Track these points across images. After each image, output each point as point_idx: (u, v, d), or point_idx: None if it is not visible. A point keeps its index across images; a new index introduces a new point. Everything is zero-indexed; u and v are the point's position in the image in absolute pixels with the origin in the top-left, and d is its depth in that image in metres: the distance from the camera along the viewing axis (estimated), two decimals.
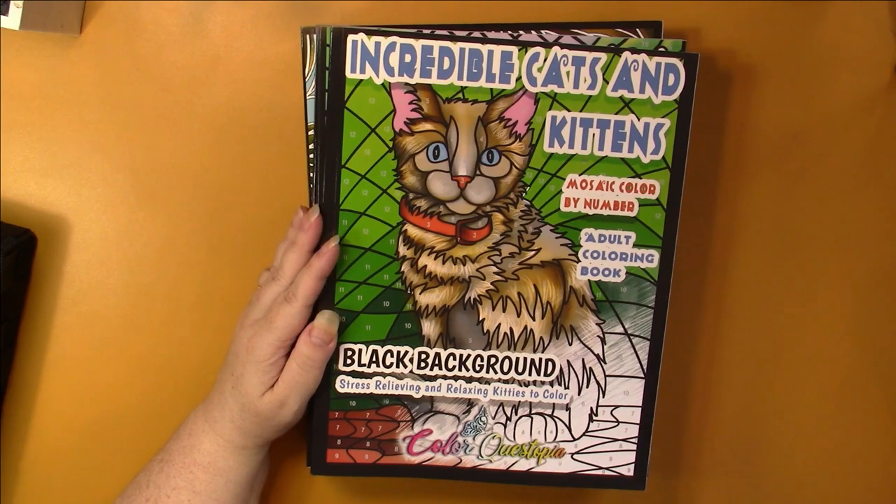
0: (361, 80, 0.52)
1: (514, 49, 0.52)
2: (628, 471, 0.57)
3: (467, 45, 0.52)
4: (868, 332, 0.61)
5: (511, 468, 0.56)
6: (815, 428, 0.62)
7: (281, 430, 0.53)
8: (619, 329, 0.56)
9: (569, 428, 0.56)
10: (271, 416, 0.51)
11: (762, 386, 0.62)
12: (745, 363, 0.61)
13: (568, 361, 0.56)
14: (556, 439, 0.56)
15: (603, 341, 0.56)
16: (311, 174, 0.57)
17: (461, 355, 0.55)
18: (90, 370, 0.59)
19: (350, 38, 0.51)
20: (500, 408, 0.56)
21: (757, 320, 0.61)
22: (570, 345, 0.55)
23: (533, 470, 0.56)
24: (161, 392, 0.59)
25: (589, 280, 0.55)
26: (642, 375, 0.56)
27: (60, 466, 0.60)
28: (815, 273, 0.61)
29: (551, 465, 0.56)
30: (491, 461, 0.56)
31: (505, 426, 0.56)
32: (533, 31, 0.55)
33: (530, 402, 0.56)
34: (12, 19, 0.51)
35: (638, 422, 0.56)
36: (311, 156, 0.56)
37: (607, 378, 0.56)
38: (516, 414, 0.56)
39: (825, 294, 0.61)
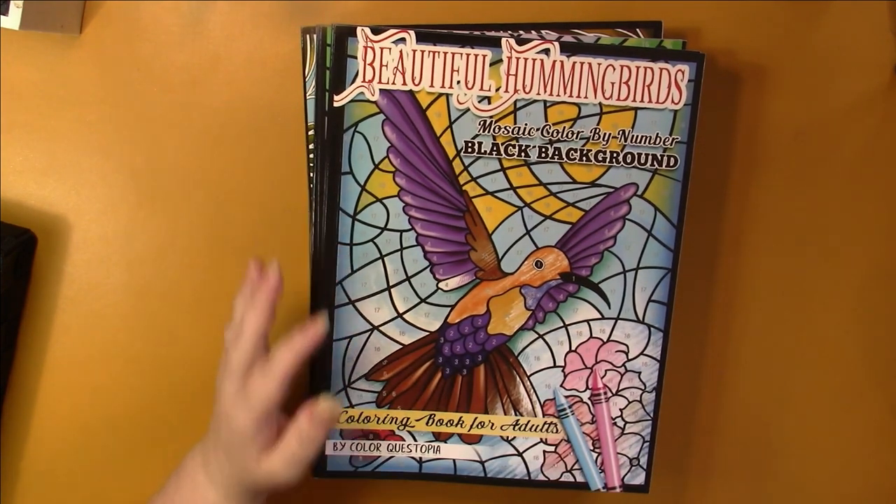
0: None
1: None
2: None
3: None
4: (876, 333, 0.61)
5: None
6: (824, 429, 0.62)
7: (283, 489, 0.51)
8: None
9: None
10: (267, 486, 0.50)
11: (771, 387, 0.61)
12: (753, 364, 0.61)
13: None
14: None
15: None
16: (311, 174, 0.57)
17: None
18: (90, 370, 0.59)
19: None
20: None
21: (766, 322, 0.61)
22: None
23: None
24: (161, 392, 0.59)
25: None
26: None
27: (60, 466, 0.60)
28: (821, 274, 0.61)
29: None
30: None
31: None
32: (533, 31, 0.55)
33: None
34: (12, 19, 0.51)
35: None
36: (311, 156, 0.56)
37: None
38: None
39: (835, 294, 0.61)
